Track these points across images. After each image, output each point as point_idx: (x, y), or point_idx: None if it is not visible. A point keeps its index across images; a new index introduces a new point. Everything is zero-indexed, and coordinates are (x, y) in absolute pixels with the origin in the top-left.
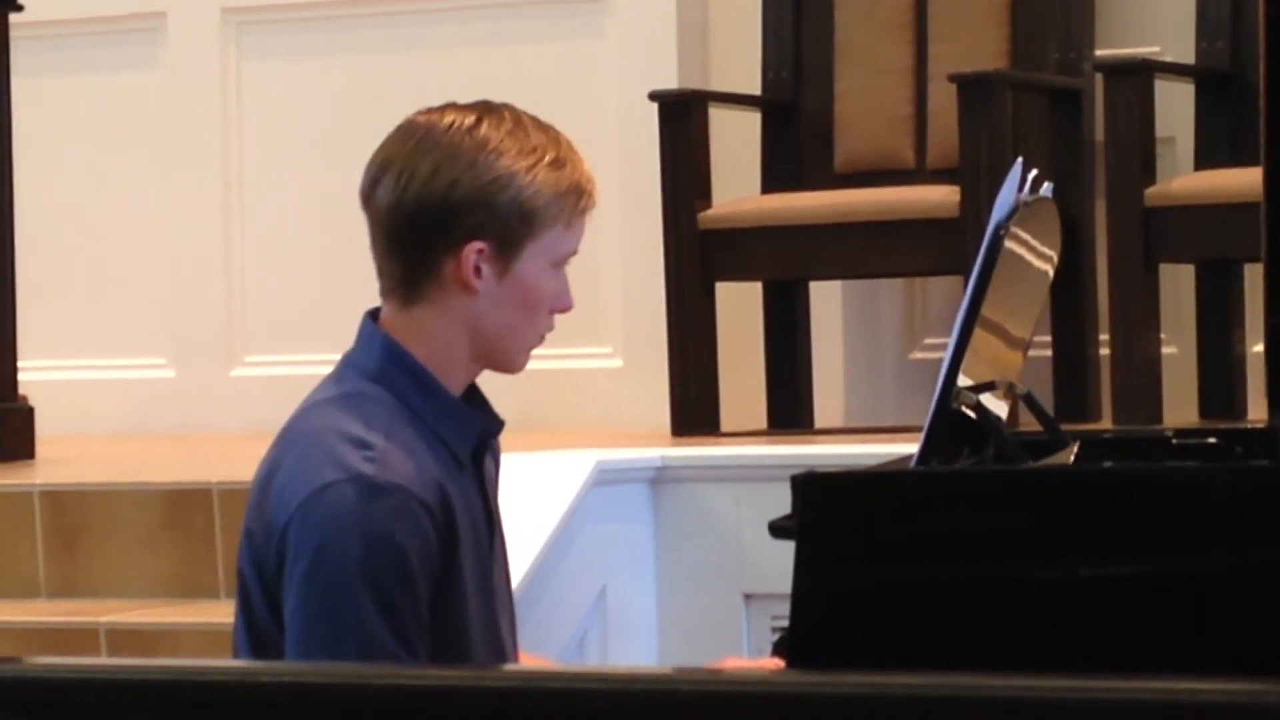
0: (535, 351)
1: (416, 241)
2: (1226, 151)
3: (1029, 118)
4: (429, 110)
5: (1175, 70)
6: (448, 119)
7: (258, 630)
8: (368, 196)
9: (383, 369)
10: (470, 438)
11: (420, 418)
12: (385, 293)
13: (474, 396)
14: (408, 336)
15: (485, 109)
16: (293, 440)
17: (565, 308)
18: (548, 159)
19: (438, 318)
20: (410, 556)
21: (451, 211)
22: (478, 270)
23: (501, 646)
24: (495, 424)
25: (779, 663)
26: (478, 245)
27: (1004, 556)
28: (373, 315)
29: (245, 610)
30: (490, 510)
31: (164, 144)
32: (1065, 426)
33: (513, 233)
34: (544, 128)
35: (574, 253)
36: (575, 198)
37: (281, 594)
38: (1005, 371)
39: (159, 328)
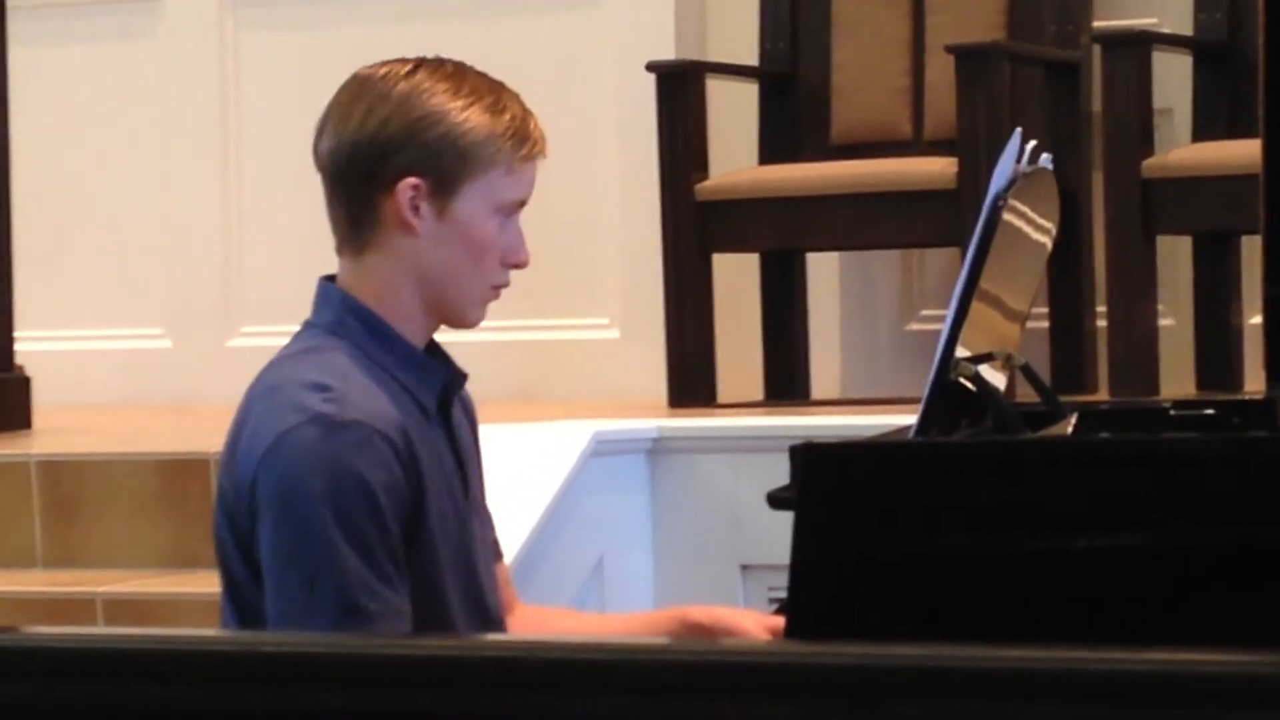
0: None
1: (354, 185)
2: (1224, 123)
3: (1027, 89)
4: (372, 64)
5: (1173, 42)
6: (385, 68)
7: (239, 593)
8: (315, 153)
9: (340, 320)
10: (434, 387)
11: (381, 367)
12: (338, 248)
13: (435, 351)
14: (362, 289)
15: (425, 59)
16: (255, 398)
17: (520, 262)
18: (484, 102)
19: (384, 263)
20: (377, 491)
21: (383, 149)
22: (416, 209)
23: (483, 602)
24: (459, 376)
25: (773, 619)
26: (412, 181)
27: (1002, 527)
28: (329, 279)
29: (226, 574)
30: (463, 464)
31: (162, 114)
32: (1063, 398)
33: (447, 170)
34: (488, 79)
35: (522, 202)
36: (515, 142)
37: (256, 549)
38: (1003, 343)
39: (156, 298)
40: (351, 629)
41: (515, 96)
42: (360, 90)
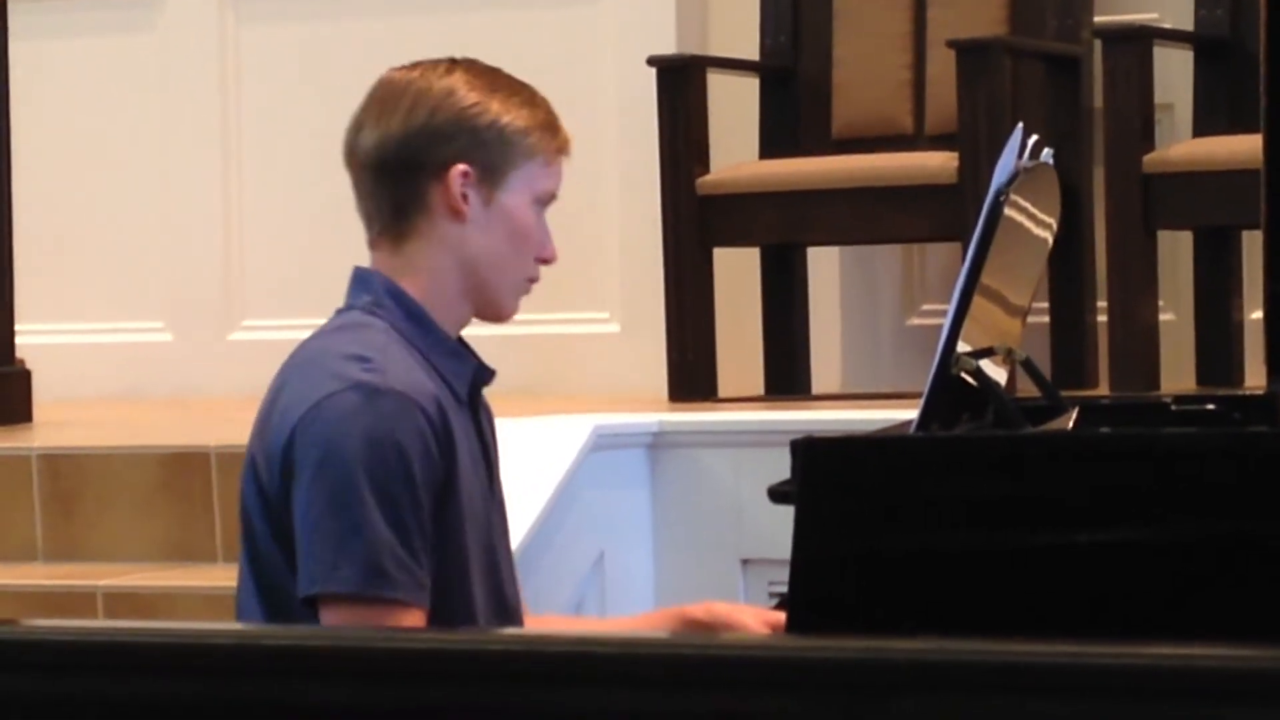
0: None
1: (404, 174)
2: (1225, 118)
3: (1028, 84)
4: (400, 67)
5: (1174, 37)
6: (419, 68)
7: (260, 562)
8: (351, 151)
9: (378, 302)
10: (465, 377)
11: (417, 349)
12: (374, 241)
13: (465, 346)
14: (402, 276)
15: (455, 59)
16: (293, 368)
17: (550, 257)
18: (521, 96)
19: (428, 249)
20: (413, 459)
21: (433, 137)
22: (464, 196)
23: (502, 591)
24: (487, 371)
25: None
26: (462, 168)
27: (1003, 522)
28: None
29: (248, 541)
30: (488, 456)
31: (162, 108)
32: (1063, 393)
33: (495, 158)
34: (516, 79)
35: (553, 195)
36: (551, 135)
37: (285, 515)
38: (1004, 338)
39: (156, 292)
40: (373, 591)
41: (542, 96)
42: (399, 87)
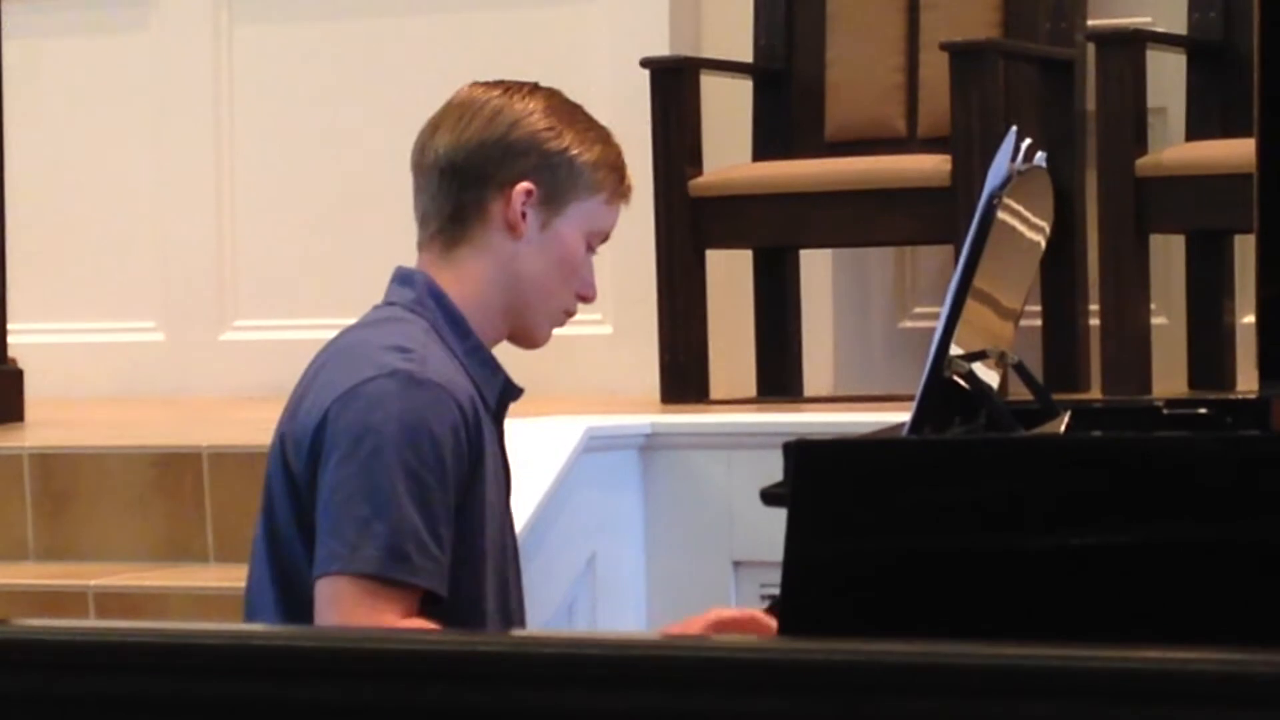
0: None
1: (471, 181)
2: (1218, 122)
3: (1020, 87)
4: (481, 83)
5: (1167, 40)
6: (502, 86)
7: (277, 540)
8: (422, 150)
9: (420, 300)
10: (495, 388)
11: (452, 352)
12: (425, 242)
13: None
14: (446, 280)
15: (539, 85)
16: (330, 355)
17: (591, 295)
18: (598, 132)
19: (478, 257)
20: (446, 451)
21: (506, 151)
22: (524, 215)
23: (509, 603)
24: (515, 388)
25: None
26: (527, 186)
27: (996, 525)
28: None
29: (268, 518)
30: (509, 475)
31: (156, 108)
32: (1056, 396)
33: (561, 184)
34: (594, 119)
35: (606, 237)
36: (619, 176)
37: (310, 496)
38: (997, 341)
39: (149, 291)
40: (392, 573)
41: (617, 141)
42: (481, 100)
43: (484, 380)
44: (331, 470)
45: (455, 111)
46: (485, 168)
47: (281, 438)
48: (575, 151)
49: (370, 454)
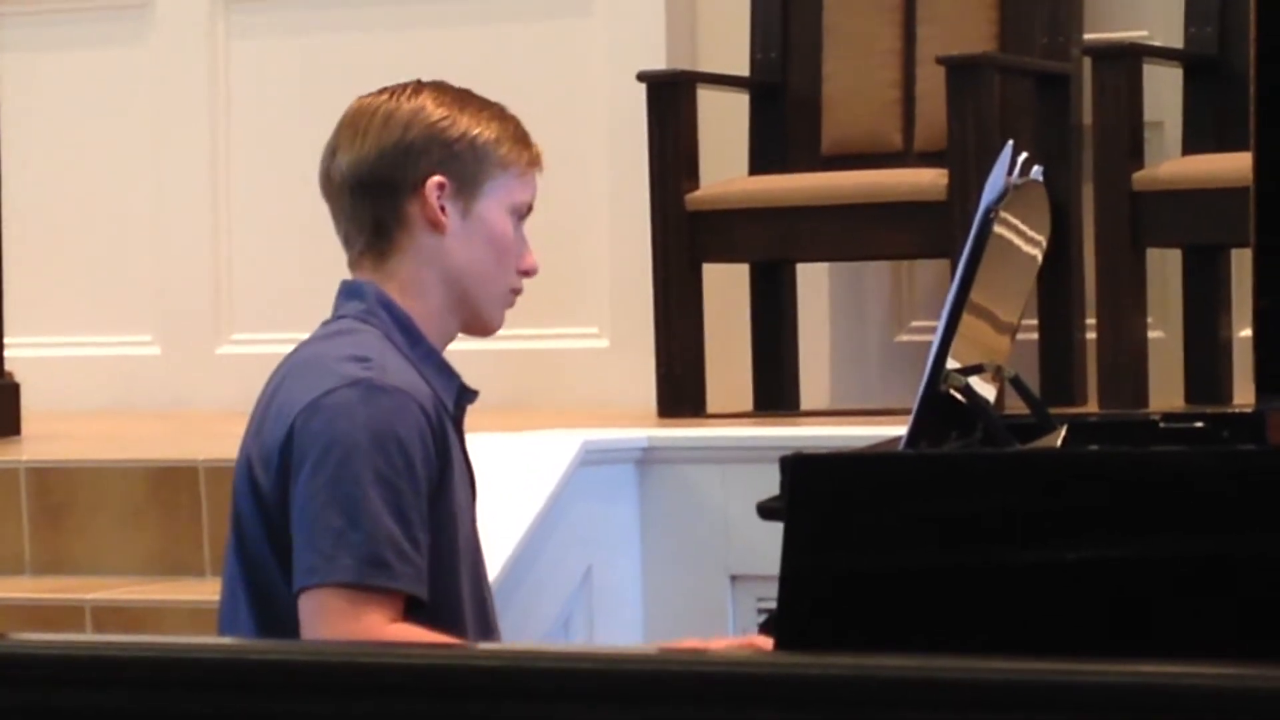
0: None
1: (381, 192)
2: (1214, 136)
3: (1017, 101)
4: (368, 94)
5: (1163, 55)
6: (387, 91)
7: (250, 561)
8: (327, 176)
9: (371, 310)
10: (452, 391)
11: (407, 359)
12: (355, 261)
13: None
14: (389, 291)
15: (421, 80)
16: (289, 370)
17: (530, 268)
18: (490, 110)
19: (410, 264)
20: (414, 454)
21: (407, 152)
22: (443, 209)
23: (484, 606)
24: (470, 391)
25: (766, 641)
26: (438, 180)
27: (992, 539)
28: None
29: (239, 547)
30: (473, 478)
31: (152, 121)
32: (1052, 410)
33: (469, 169)
34: (484, 97)
35: (529, 207)
36: (523, 146)
37: (281, 515)
38: (993, 355)
39: (145, 305)
40: (371, 580)
41: (512, 113)
42: (369, 110)
43: (441, 385)
44: (302, 484)
45: (348, 128)
46: (392, 174)
47: (248, 457)
48: (475, 133)
49: (339, 464)
